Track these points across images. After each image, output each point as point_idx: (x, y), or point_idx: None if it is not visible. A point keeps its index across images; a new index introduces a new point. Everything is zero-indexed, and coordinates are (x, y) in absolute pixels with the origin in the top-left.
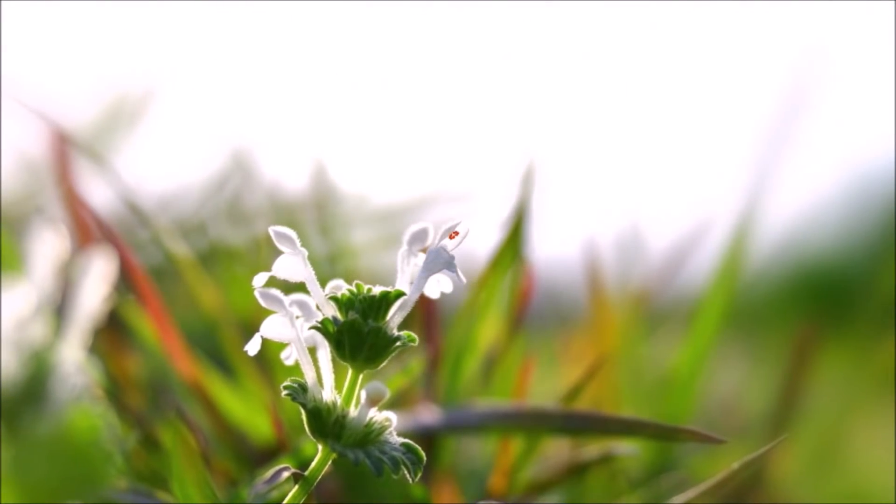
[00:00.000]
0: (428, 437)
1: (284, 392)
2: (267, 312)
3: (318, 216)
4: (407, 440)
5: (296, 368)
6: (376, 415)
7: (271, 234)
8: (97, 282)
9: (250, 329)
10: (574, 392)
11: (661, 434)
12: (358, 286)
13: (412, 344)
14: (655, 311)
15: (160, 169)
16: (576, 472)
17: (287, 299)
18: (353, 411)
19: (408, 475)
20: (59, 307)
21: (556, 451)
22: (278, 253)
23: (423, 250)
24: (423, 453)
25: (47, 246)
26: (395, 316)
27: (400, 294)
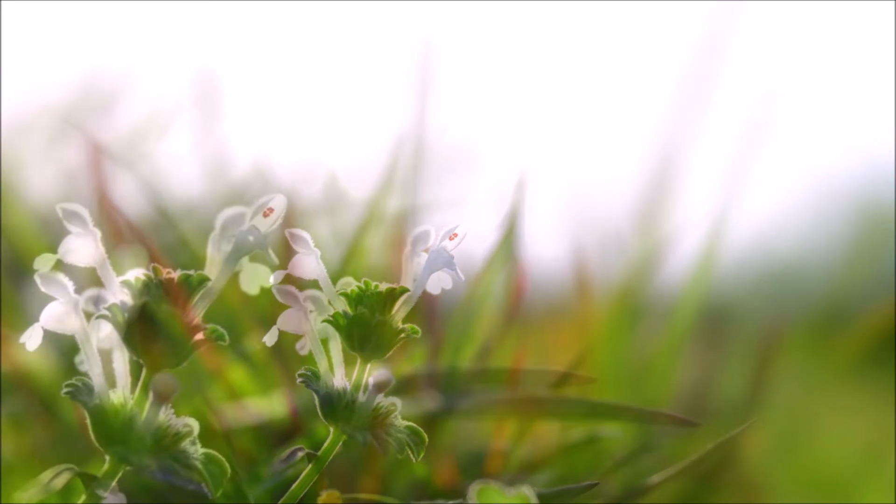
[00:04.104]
0: (430, 421)
1: (299, 379)
2: (283, 307)
3: (330, 219)
4: (411, 423)
5: (309, 358)
6: (383, 400)
7: (287, 235)
8: (129, 279)
9: (268, 322)
10: (562, 379)
11: (642, 418)
12: (366, 283)
13: (415, 336)
14: (636, 306)
15: (186, 176)
16: (564, 452)
17: (302, 295)
18: (361, 397)
19: (411, 455)
20: (94, 303)
21: (547, 433)
22: (294, 253)
23: (426, 250)
24: (425, 435)
25: (83, 247)
26: (399, 310)
27: (404, 290)
